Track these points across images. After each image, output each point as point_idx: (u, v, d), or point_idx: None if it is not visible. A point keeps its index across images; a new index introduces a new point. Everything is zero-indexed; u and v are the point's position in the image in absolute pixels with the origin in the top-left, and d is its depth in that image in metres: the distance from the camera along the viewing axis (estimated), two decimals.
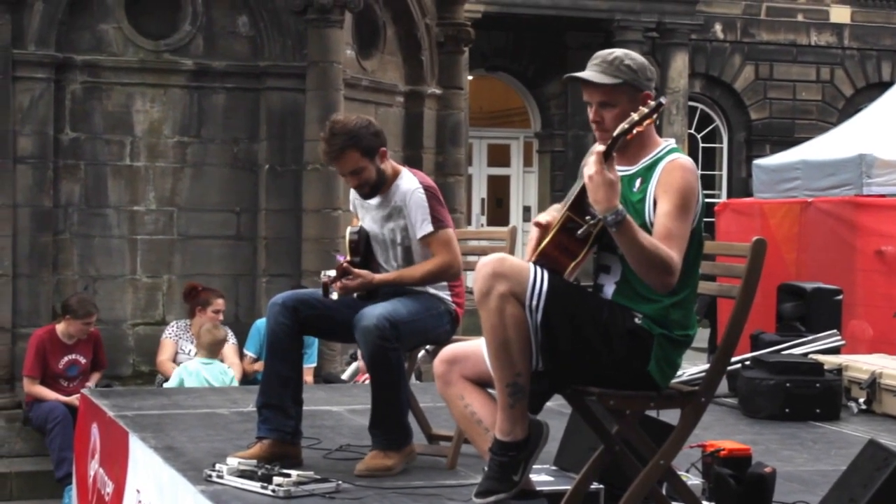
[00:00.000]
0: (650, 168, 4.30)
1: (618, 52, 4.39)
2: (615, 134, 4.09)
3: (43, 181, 10.29)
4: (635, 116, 4.08)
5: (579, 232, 4.15)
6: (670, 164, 4.26)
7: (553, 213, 4.43)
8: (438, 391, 4.50)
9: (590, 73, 4.33)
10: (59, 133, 10.42)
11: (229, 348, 10.25)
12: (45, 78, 10.30)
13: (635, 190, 4.28)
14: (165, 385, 9.62)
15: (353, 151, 5.62)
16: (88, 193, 10.51)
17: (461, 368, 4.43)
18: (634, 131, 4.09)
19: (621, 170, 4.24)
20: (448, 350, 4.54)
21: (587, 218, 4.14)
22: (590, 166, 4.07)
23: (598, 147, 4.16)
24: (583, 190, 4.15)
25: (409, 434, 5.64)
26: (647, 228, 4.19)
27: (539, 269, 4.15)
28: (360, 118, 5.78)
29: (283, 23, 10.79)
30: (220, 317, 10.24)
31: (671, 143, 4.41)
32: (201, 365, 9.52)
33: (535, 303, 4.12)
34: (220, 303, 10.28)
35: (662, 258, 4.09)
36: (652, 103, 4.11)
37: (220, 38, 10.84)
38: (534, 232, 4.37)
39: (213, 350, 9.63)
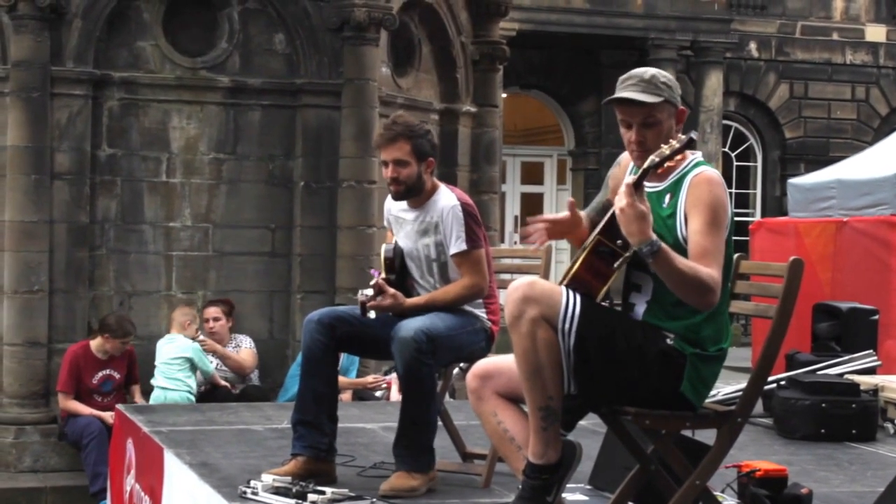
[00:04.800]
0: (678, 183, 4.29)
1: (651, 70, 4.39)
2: (645, 166, 4.09)
3: (79, 197, 10.35)
4: (666, 150, 4.08)
5: (615, 264, 4.16)
6: (696, 178, 4.25)
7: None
8: (471, 406, 4.50)
9: (632, 94, 4.30)
10: (96, 149, 10.47)
11: (247, 353, 10.43)
12: (82, 94, 10.36)
13: (665, 206, 4.28)
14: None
15: (406, 143, 5.66)
16: (125, 209, 10.56)
17: (494, 384, 4.43)
18: (665, 165, 4.10)
19: (650, 186, 4.25)
20: (481, 365, 4.54)
21: (618, 242, 4.14)
22: (620, 198, 4.05)
23: (628, 178, 4.15)
24: (613, 215, 4.14)
25: (434, 457, 5.58)
26: (680, 244, 4.18)
27: (571, 293, 4.15)
28: (424, 124, 5.87)
29: (319, 40, 10.82)
30: (211, 325, 10.44)
31: (697, 156, 4.38)
32: (165, 342, 10.06)
33: (567, 327, 4.12)
34: (207, 311, 10.49)
35: (702, 279, 4.08)
36: (683, 138, 4.12)
37: (257, 56, 10.87)
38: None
39: (178, 326, 10.17)
